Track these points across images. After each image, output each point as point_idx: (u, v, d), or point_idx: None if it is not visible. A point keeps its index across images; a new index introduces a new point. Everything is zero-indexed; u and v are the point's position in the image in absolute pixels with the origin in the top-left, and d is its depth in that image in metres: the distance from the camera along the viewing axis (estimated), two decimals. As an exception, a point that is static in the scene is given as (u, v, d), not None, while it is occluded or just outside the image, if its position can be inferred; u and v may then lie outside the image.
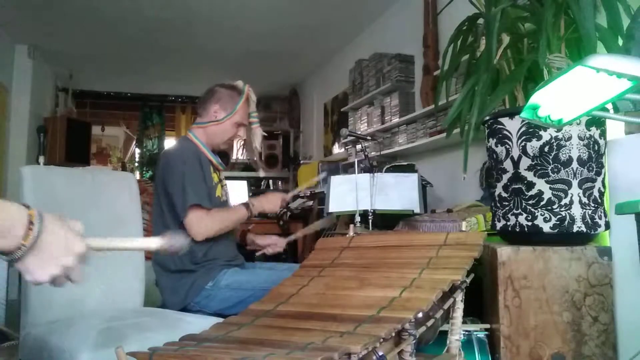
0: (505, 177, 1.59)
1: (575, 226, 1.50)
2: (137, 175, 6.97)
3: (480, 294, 1.69)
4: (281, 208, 2.06)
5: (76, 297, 1.57)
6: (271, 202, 2.01)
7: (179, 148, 1.94)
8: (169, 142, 7.24)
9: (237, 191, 5.16)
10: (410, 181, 2.44)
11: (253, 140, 2.06)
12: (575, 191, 1.51)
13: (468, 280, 1.16)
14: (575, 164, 1.50)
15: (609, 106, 1.46)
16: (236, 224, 1.93)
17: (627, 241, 1.45)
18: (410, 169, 3.10)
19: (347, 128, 3.85)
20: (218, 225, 1.82)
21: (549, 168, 1.51)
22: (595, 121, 1.52)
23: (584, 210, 1.51)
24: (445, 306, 1.11)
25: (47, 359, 1.32)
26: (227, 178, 2.13)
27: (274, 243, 2.14)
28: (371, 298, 1.07)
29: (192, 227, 1.77)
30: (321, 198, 4.00)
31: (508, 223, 1.58)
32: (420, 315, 0.98)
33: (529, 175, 1.53)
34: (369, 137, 3.30)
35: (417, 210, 2.34)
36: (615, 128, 1.65)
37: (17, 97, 4.99)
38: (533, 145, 1.52)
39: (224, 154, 2.07)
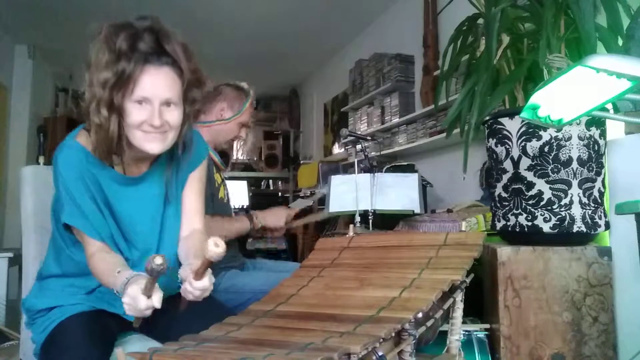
0: (505, 177, 1.59)
1: (575, 226, 1.50)
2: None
3: (480, 294, 1.69)
4: (286, 224, 2.01)
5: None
6: (275, 216, 1.99)
7: None
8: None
9: (237, 191, 5.17)
10: (410, 181, 2.44)
11: (247, 141, 2.07)
12: (575, 191, 1.51)
13: (468, 280, 1.16)
14: (575, 164, 1.50)
15: (609, 106, 1.46)
16: (237, 234, 1.92)
17: (627, 241, 1.45)
18: (410, 169, 3.09)
19: (347, 128, 3.85)
20: (218, 233, 1.81)
21: (549, 168, 1.51)
22: (595, 121, 1.52)
23: (584, 210, 1.51)
24: (445, 306, 1.11)
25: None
26: (227, 178, 2.13)
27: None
28: (371, 298, 1.07)
29: None
30: (321, 198, 4.00)
31: (508, 223, 1.58)
32: (420, 315, 0.98)
33: (529, 175, 1.53)
34: (369, 137, 3.29)
35: (417, 210, 2.34)
36: (615, 128, 1.65)
37: (17, 97, 4.98)
38: (533, 145, 1.52)
39: (223, 154, 2.06)
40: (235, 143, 2.07)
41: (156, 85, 1.10)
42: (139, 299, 0.95)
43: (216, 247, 0.91)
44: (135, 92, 1.09)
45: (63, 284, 1.25)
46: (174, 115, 1.13)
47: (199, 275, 0.99)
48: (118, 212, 1.20)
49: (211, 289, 1.04)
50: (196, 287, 1.00)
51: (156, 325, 1.20)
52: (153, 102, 1.10)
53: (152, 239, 1.25)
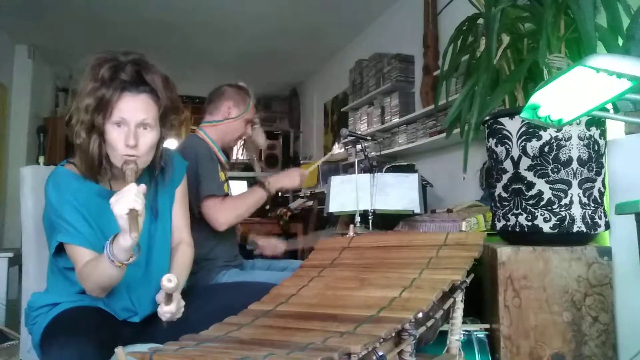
0: (505, 177, 1.59)
1: (575, 226, 1.50)
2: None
3: (480, 294, 1.69)
4: (300, 185, 2.01)
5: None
6: (289, 178, 1.98)
7: (192, 144, 1.90)
8: (169, 142, 7.22)
9: (237, 191, 5.15)
10: (410, 181, 2.44)
11: (257, 139, 2.10)
12: (575, 191, 1.51)
13: (468, 280, 1.16)
14: (575, 164, 1.50)
15: (609, 106, 1.46)
16: (255, 206, 1.88)
17: (627, 241, 1.45)
18: (410, 169, 3.10)
19: (347, 128, 3.85)
20: (236, 212, 1.80)
21: (549, 168, 1.51)
22: (595, 121, 1.52)
23: (584, 210, 1.51)
24: (445, 306, 1.11)
25: (47, 359, 1.32)
26: (228, 178, 2.13)
27: (274, 245, 2.15)
28: (371, 298, 1.07)
29: (211, 218, 1.77)
30: (321, 198, 4.00)
31: (508, 223, 1.58)
32: (420, 315, 0.98)
33: (529, 175, 1.53)
34: (369, 137, 3.29)
35: (417, 210, 2.34)
36: (615, 128, 1.65)
37: (17, 97, 4.98)
38: (533, 145, 1.52)
39: (224, 154, 2.07)
40: (238, 142, 2.09)
41: (132, 109, 1.21)
42: (127, 188, 1.06)
43: (169, 283, 1.02)
44: (114, 114, 1.20)
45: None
46: (148, 137, 1.23)
47: (165, 302, 1.13)
48: (106, 226, 1.24)
49: (179, 312, 1.17)
50: (164, 310, 1.13)
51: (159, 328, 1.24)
52: (129, 123, 1.20)
53: (141, 252, 1.26)
